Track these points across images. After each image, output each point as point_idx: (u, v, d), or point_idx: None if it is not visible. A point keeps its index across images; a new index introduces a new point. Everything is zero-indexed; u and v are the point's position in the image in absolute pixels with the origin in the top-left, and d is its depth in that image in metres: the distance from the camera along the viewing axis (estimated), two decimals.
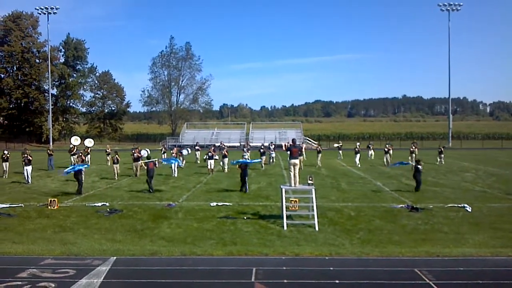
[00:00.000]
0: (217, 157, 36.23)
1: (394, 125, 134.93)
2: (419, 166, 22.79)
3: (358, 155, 37.12)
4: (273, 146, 41.39)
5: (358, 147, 38.44)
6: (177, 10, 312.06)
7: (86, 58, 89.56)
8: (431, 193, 22.33)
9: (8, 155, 29.83)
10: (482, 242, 13.18)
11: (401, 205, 18.87)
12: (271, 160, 39.20)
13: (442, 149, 39.10)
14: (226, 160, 33.07)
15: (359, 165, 36.18)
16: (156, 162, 25.28)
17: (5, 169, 29.31)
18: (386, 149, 37.25)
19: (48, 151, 36.51)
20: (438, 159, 38.25)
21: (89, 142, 43.91)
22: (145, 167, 23.86)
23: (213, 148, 34.11)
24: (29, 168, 26.92)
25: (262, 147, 38.83)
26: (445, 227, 15.19)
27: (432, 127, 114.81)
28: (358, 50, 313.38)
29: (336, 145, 47.39)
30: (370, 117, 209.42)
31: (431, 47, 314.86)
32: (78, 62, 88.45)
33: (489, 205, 19.01)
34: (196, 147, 41.81)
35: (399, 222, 15.93)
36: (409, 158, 36.62)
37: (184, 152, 36.63)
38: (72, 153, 35.05)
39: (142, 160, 27.95)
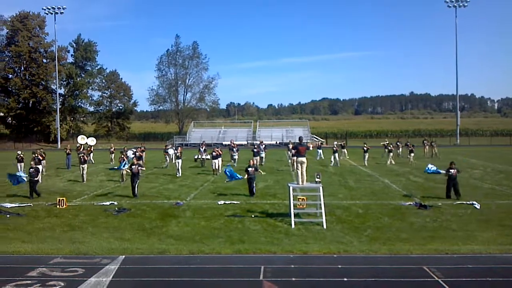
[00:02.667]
0: (236, 156, 35.95)
1: (401, 122, 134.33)
2: (451, 171, 19.97)
3: (336, 154, 35.65)
4: (263, 145, 38.39)
5: (335, 146, 37.32)
6: (183, 9, 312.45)
7: (95, 59, 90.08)
8: (440, 190, 22.20)
9: (22, 156, 29.99)
10: (491, 239, 13.14)
11: (409, 203, 18.82)
12: (262, 162, 36.09)
13: (412, 147, 38.10)
14: (218, 160, 30.69)
15: (338, 165, 35.03)
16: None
17: (20, 169, 29.44)
18: (365, 148, 36.03)
19: (66, 150, 36.68)
20: (409, 158, 36.91)
21: (91, 141, 44.41)
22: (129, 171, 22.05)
23: (219, 147, 33.71)
24: (40, 167, 27.02)
25: (255, 147, 36.17)
26: (454, 224, 15.14)
27: (440, 124, 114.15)
28: (365, 47, 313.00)
29: (382, 143, 42.64)
30: (378, 115, 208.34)
31: (438, 43, 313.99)
32: (87, 63, 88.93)
33: (498, 202, 18.92)
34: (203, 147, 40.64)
35: (407, 220, 15.90)
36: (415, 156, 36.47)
37: (170, 151, 35.94)
38: (79, 151, 35.25)
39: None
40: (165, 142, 73.00)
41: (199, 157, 36.19)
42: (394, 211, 17.46)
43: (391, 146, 37.40)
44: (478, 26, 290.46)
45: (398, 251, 12.14)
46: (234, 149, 36.96)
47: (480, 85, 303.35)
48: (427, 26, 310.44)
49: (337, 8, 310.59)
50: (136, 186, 21.41)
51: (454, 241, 12.96)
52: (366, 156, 35.55)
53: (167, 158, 35.56)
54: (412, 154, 36.24)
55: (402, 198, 20.17)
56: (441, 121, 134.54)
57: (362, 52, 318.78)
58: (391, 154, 36.27)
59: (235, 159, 35.81)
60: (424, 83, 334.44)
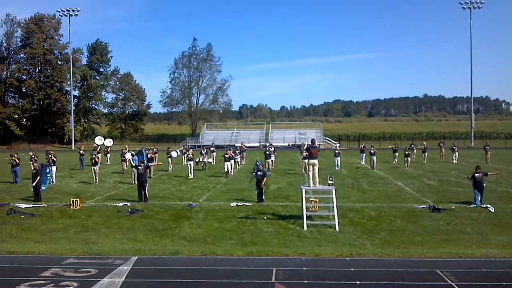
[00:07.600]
0: (238, 159, 35.63)
1: (415, 125, 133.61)
2: (476, 175, 18.96)
3: (339, 158, 34.42)
4: (272, 148, 36.23)
5: (337, 148, 36.30)
6: (195, 11, 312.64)
7: (109, 62, 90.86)
8: (454, 193, 22.06)
9: (36, 158, 30.22)
10: (505, 243, 12.97)
11: (423, 206, 18.67)
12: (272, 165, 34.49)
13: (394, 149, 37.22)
14: (231, 162, 30.44)
15: (341, 169, 33.97)
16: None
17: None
18: (372, 151, 34.64)
19: (80, 151, 36.97)
20: (395, 160, 36.02)
21: (108, 142, 44.76)
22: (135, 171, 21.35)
23: (232, 149, 33.62)
24: (53, 168, 27.28)
25: (268, 149, 34.52)
26: (468, 227, 14.98)
27: (454, 126, 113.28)
28: (378, 49, 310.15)
29: (441, 143, 41.57)
30: (391, 117, 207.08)
31: (452, 45, 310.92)
32: (101, 65, 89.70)
33: None
34: (211, 148, 39.93)
35: (420, 223, 15.77)
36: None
37: (174, 154, 35.44)
38: (95, 152, 35.51)
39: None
40: (177, 144, 73.40)
41: (200, 160, 35.13)
42: (407, 214, 17.33)
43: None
44: (493, 28, 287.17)
45: (411, 254, 12.03)
46: (237, 152, 35.73)
47: (494, 87, 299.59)
48: (441, 27, 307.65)
49: (350, 9, 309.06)
50: (146, 190, 20.56)
51: (468, 245, 12.82)
52: (374, 159, 34.64)
53: (169, 161, 34.40)
54: (409, 158, 35.85)
55: (415, 201, 20.03)
56: (455, 124, 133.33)
57: (375, 53, 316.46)
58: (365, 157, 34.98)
59: (237, 162, 35.01)
60: (438, 85, 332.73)
